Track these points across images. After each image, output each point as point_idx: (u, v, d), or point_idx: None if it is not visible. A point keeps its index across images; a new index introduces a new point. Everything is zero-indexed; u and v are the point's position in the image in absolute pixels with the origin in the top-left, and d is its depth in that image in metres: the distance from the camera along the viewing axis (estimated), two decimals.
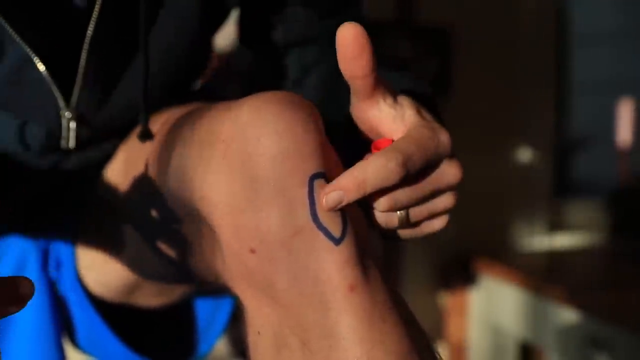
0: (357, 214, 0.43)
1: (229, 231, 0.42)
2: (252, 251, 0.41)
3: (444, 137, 0.46)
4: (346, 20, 0.66)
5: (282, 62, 0.67)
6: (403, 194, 0.45)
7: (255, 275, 0.41)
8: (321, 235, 0.40)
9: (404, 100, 0.47)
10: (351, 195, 0.41)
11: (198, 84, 0.75)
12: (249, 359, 0.44)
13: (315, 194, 0.40)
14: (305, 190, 0.40)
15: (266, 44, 0.67)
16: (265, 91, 0.43)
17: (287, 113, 0.41)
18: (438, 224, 0.50)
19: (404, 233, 0.50)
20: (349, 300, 0.39)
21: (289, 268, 0.40)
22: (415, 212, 0.47)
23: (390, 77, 0.50)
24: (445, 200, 0.49)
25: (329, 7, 0.67)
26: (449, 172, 0.48)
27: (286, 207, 0.40)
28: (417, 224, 0.49)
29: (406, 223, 0.47)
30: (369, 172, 0.42)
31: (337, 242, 0.40)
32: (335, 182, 0.41)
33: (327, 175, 0.41)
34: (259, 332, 0.42)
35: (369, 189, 0.42)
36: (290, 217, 0.40)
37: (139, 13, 0.54)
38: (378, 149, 0.46)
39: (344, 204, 0.41)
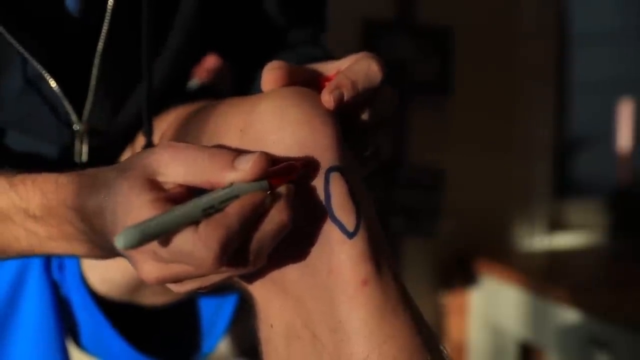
0: (370, 210, 0.43)
1: None
2: None
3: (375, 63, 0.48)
4: (314, 30, 0.70)
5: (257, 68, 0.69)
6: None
7: (268, 267, 0.41)
8: (335, 228, 0.40)
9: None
10: (349, 93, 0.43)
11: (197, 83, 0.76)
12: (261, 351, 0.44)
13: (330, 188, 0.40)
14: (322, 182, 0.40)
15: (242, 53, 0.69)
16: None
17: (306, 105, 0.42)
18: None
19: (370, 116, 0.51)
20: (362, 294, 0.40)
21: (302, 261, 0.40)
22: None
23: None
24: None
25: (299, 18, 0.70)
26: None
27: (302, 200, 0.40)
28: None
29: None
30: (357, 74, 0.44)
31: (350, 235, 0.40)
32: (334, 82, 0.43)
33: (343, 169, 0.41)
34: (271, 325, 0.43)
35: (360, 87, 0.44)
36: (305, 210, 0.40)
37: (139, 26, 0.54)
38: (330, 80, 0.48)
39: (345, 99, 0.43)
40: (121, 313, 0.66)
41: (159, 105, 0.60)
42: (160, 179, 0.38)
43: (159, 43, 0.59)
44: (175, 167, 0.38)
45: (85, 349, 0.71)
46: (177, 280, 0.39)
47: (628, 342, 1.23)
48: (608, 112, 1.82)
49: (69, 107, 0.56)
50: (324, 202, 0.40)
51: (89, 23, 0.55)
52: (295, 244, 0.41)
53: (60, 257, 0.65)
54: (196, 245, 0.35)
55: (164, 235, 0.36)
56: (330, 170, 0.41)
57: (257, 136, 0.41)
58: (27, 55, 0.52)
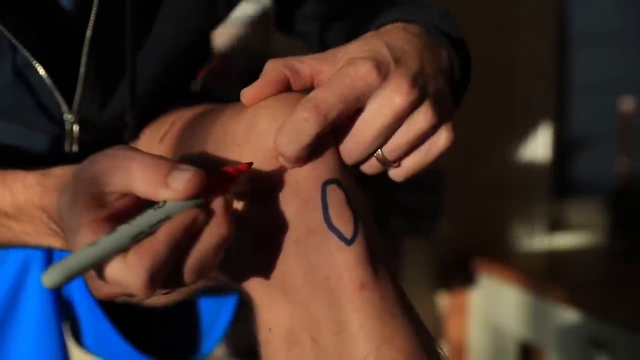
0: (367, 216, 0.44)
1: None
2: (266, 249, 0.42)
3: (362, 69, 0.41)
4: None
5: (322, 36, 0.68)
6: (358, 138, 0.43)
7: (267, 272, 0.42)
8: (333, 236, 0.41)
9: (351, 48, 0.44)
10: (292, 164, 0.41)
11: (198, 84, 0.76)
12: (260, 355, 0.45)
13: (327, 199, 0.41)
14: (319, 194, 0.41)
15: (301, 22, 0.69)
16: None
17: None
18: (440, 142, 0.45)
19: (401, 172, 0.46)
20: (360, 297, 0.40)
21: (302, 266, 0.41)
22: (389, 148, 0.44)
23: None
24: (419, 121, 0.43)
25: None
26: (388, 97, 0.42)
27: (300, 210, 0.41)
28: (404, 157, 0.45)
29: (389, 161, 0.45)
30: (285, 135, 0.40)
31: (348, 242, 0.41)
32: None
33: (339, 181, 0.42)
34: (270, 329, 0.43)
35: (299, 147, 0.40)
36: (303, 219, 0.41)
37: (126, 14, 0.54)
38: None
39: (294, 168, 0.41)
40: (122, 312, 0.66)
41: (154, 102, 0.60)
42: (106, 189, 0.37)
43: (146, 34, 0.58)
44: (117, 177, 0.37)
45: (86, 348, 0.71)
46: (126, 296, 0.39)
47: (628, 342, 1.23)
48: (608, 112, 1.82)
49: (59, 97, 0.56)
50: (321, 213, 0.41)
51: (79, 12, 0.55)
52: (293, 251, 0.41)
53: (61, 256, 0.66)
54: (124, 275, 0.35)
55: (91, 269, 0.35)
56: (326, 183, 0.42)
57: (254, 150, 0.42)
58: (16, 43, 0.52)
